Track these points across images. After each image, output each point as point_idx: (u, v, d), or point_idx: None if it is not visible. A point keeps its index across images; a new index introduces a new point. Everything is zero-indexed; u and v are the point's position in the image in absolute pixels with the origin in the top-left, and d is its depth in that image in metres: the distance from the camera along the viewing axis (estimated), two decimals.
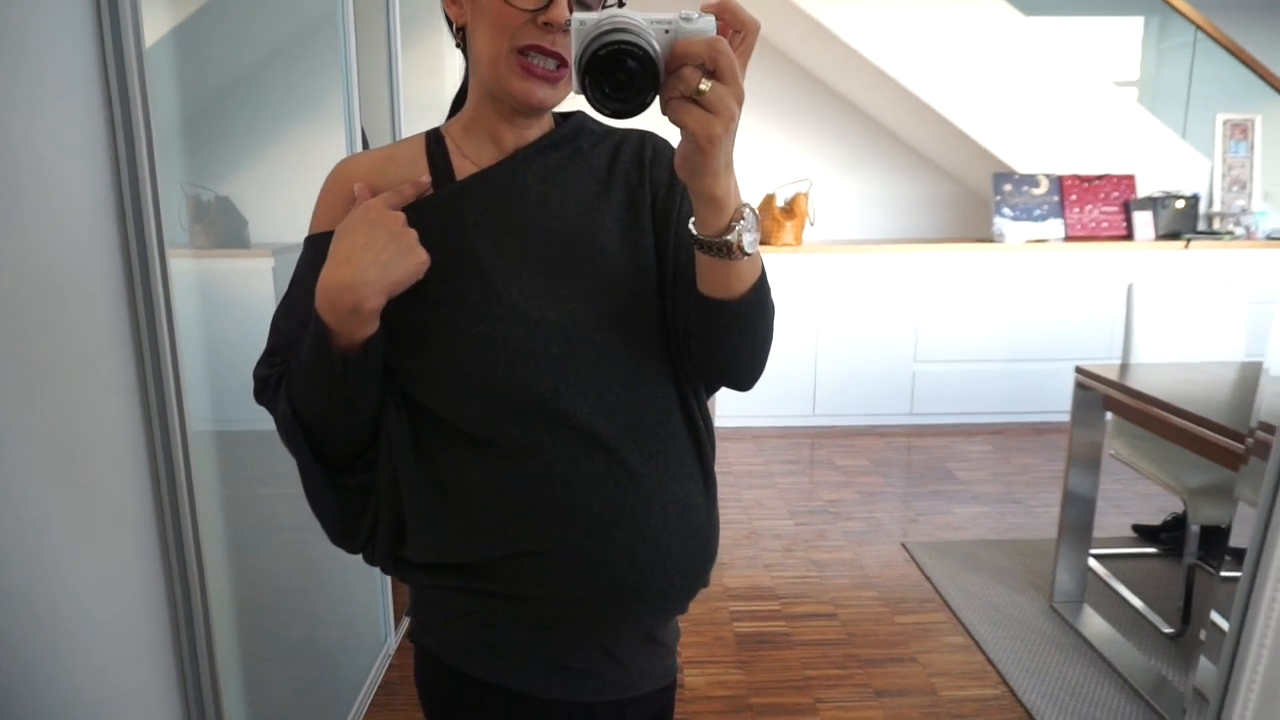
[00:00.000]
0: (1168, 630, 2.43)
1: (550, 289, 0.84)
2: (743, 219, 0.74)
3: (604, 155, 0.92)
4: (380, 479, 0.87)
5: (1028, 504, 3.47)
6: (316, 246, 0.85)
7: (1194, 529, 2.36)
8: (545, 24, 0.78)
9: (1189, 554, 2.39)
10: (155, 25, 1.22)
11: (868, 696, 2.18)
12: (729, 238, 0.74)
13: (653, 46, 0.65)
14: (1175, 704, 2.08)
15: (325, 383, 0.80)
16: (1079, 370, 2.54)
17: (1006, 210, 4.42)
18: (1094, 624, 2.48)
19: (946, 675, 2.27)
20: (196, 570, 1.29)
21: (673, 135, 0.75)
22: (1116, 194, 4.45)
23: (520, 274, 0.84)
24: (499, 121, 0.88)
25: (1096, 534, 2.65)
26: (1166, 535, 3.03)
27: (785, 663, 2.34)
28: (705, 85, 0.65)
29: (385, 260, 0.76)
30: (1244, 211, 4.46)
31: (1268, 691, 0.64)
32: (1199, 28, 4.39)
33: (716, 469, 0.96)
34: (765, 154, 4.86)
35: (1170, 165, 4.49)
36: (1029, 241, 4.39)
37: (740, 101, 0.67)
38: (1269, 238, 4.40)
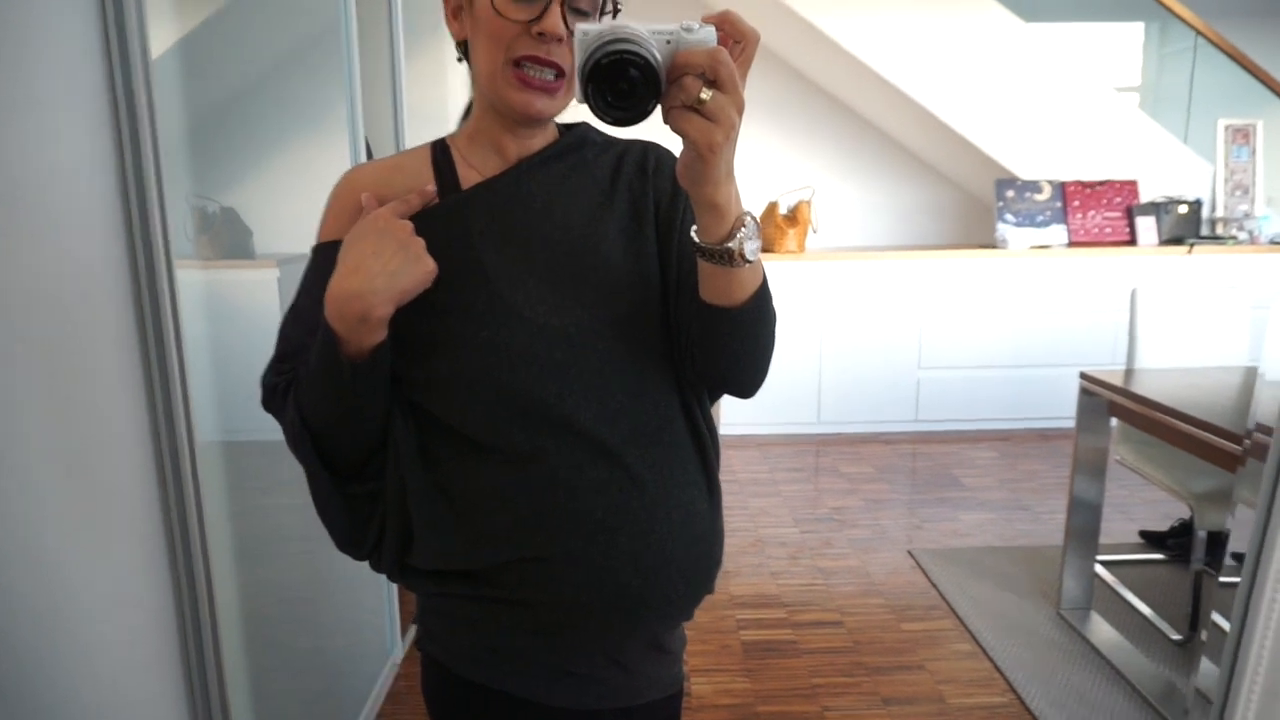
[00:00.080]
0: (1175, 637, 2.42)
1: (554, 297, 0.85)
2: (744, 226, 0.75)
3: (608, 165, 0.92)
4: (388, 487, 0.88)
5: (1034, 510, 3.46)
6: (324, 255, 0.86)
7: (1201, 535, 2.35)
8: (539, 34, 0.79)
9: (1196, 560, 2.39)
10: (161, 38, 1.23)
11: (875, 704, 2.18)
12: (730, 245, 0.75)
13: (654, 56, 0.66)
14: (1184, 710, 2.07)
15: (334, 390, 0.81)
16: (1083, 376, 2.54)
17: (1009, 216, 4.43)
18: (1101, 631, 2.47)
19: (954, 683, 2.27)
20: (204, 580, 1.29)
21: (675, 145, 0.76)
22: (1119, 199, 4.45)
23: (525, 282, 0.85)
24: (502, 132, 0.89)
25: (1103, 540, 2.64)
26: (1174, 541, 3.02)
27: (792, 671, 2.33)
28: (706, 94, 0.66)
29: (394, 269, 0.77)
30: (1247, 216, 4.46)
31: (1269, 692, 0.64)
32: (1199, 33, 4.39)
33: (721, 477, 0.96)
34: (768, 161, 4.87)
35: (1173, 170, 4.49)
36: (1032, 247, 4.39)
37: (740, 110, 0.68)
38: (1272, 242, 4.39)
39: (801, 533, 3.27)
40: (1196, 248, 4.29)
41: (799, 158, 4.93)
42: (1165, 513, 3.28)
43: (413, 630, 2.41)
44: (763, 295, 0.82)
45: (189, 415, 1.25)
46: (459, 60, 0.90)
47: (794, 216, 4.42)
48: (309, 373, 0.83)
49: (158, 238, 1.18)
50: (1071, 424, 2.58)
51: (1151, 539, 3.09)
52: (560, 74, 0.82)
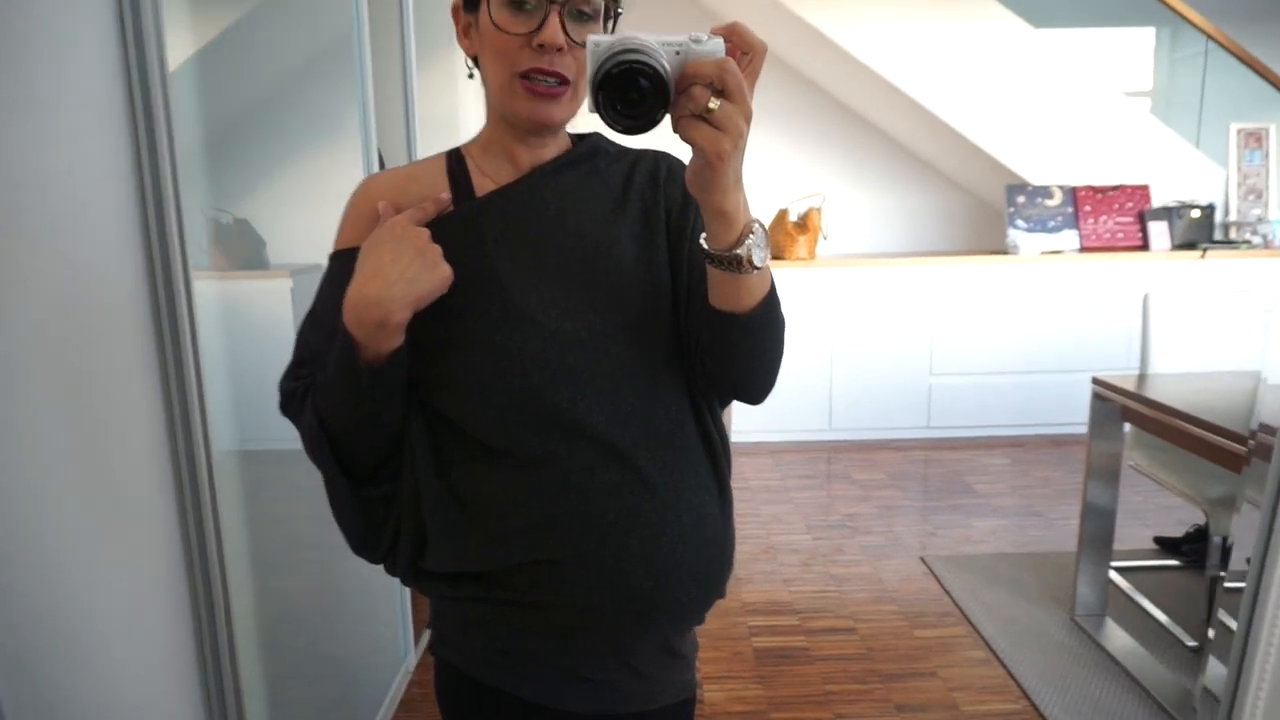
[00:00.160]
0: (1191, 643, 2.41)
1: (567, 302, 0.86)
2: (752, 234, 0.76)
3: (619, 174, 0.94)
4: (403, 491, 0.89)
5: (1047, 517, 3.45)
6: (342, 262, 0.87)
7: (1216, 540, 2.34)
8: (539, 46, 0.80)
9: (1211, 566, 2.37)
10: (177, 50, 1.25)
11: (888, 711, 2.17)
12: (739, 251, 0.76)
13: (663, 66, 0.68)
14: (1192, 710, 2.06)
15: (352, 395, 0.82)
16: (1096, 381, 2.53)
17: (1020, 222, 4.42)
18: (1116, 637, 2.46)
19: (967, 690, 2.26)
20: (221, 588, 1.31)
21: (685, 155, 0.77)
22: (1131, 204, 4.44)
23: (538, 287, 0.86)
24: (514, 142, 0.90)
25: (1117, 546, 2.63)
26: (1189, 547, 3.00)
27: (805, 678, 2.33)
28: (714, 104, 0.68)
29: (411, 275, 0.79)
30: (1260, 220, 4.44)
31: (1277, 689, 0.64)
32: (1210, 37, 4.38)
33: (734, 484, 0.97)
34: (778, 169, 4.88)
35: (1185, 175, 4.48)
36: (1044, 253, 4.38)
37: (748, 120, 0.70)
38: None
39: (814, 539, 3.26)
40: (1210, 252, 4.27)
41: (809, 165, 4.94)
42: (1180, 518, 3.26)
43: (425, 638, 2.42)
44: (771, 302, 0.83)
45: (206, 425, 1.26)
46: (469, 76, 0.92)
47: (804, 224, 4.42)
48: (327, 378, 0.84)
49: (175, 249, 1.19)
50: (1084, 430, 2.57)
51: (1166, 545, 3.07)
52: (562, 80, 0.83)
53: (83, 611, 1.07)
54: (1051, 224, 4.42)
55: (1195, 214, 4.39)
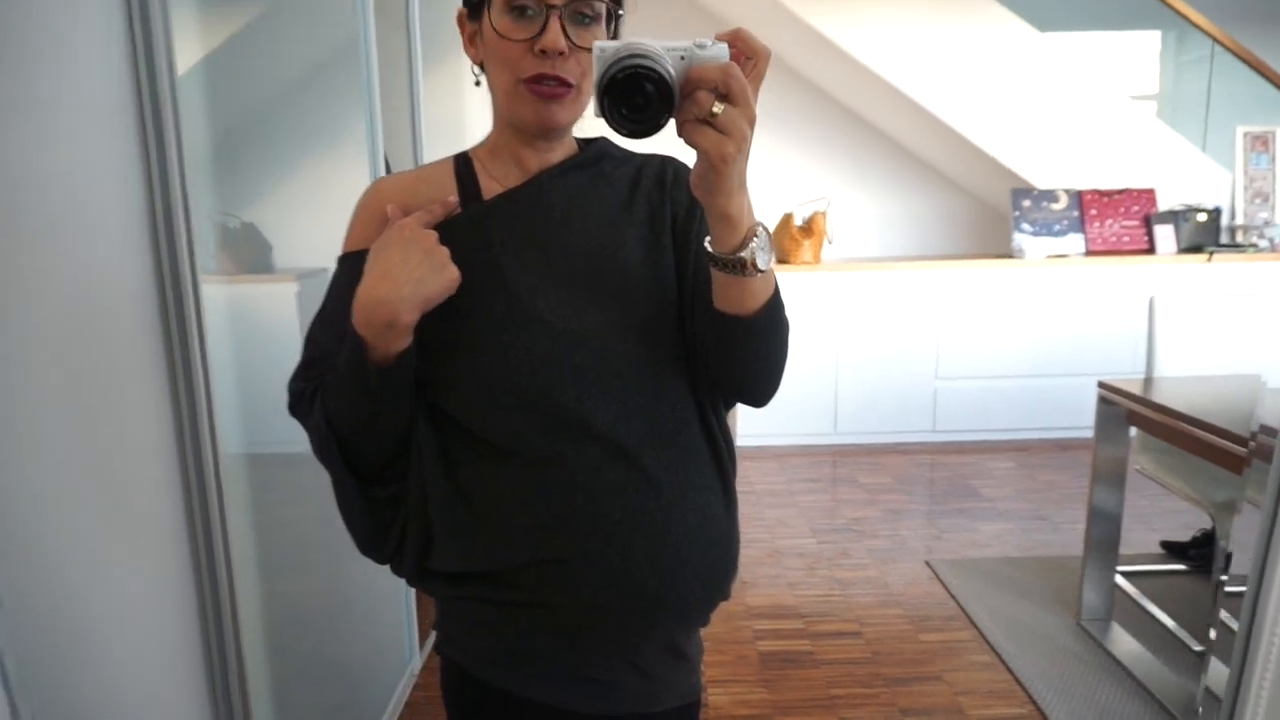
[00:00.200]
0: (1198, 648, 2.40)
1: (574, 302, 0.87)
2: (756, 237, 0.77)
3: (626, 178, 0.94)
4: (410, 491, 0.90)
5: (1053, 521, 3.44)
6: (351, 263, 0.88)
7: (1223, 545, 2.33)
8: (541, 51, 0.81)
9: (1218, 570, 2.36)
10: (185, 56, 1.26)
11: (893, 715, 2.17)
12: (743, 254, 0.77)
13: (668, 71, 0.69)
14: (1195, 710, 2.05)
15: (360, 396, 0.83)
16: (1102, 385, 2.53)
17: (1026, 226, 4.42)
18: (1122, 642, 2.45)
19: (973, 694, 2.26)
20: (228, 590, 1.31)
21: (690, 159, 0.78)
22: (1137, 208, 4.43)
23: (545, 288, 0.87)
24: (521, 146, 0.91)
25: (1124, 551, 2.62)
26: (1195, 552, 2.99)
27: (810, 681, 2.33)
28: (718, 108, 0.68)
29: (419, 276, 0.80)
30: (1267, 224, 4.43)
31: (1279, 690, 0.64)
32: (1216, 41, 4.37)
33: (739, 488, 0.97)
34: (783, 173, 4.88)
35: (1191, 178, 4.47)
36: (1049, 257, 4.38)
37: (752, 124, 0.70)
38: None
39: (819, 543, 3.26)
40: (1216, 256, 4.27)
41: (814, 169, 4.94)
42: (1187, 523, 3.25)
43: (430, 641, 2.43)
44: (775, 305, 0.83)
45: (214, 428, 1.27)
46: (476, 84, 0.93)
47: (809, 228, 4.43)
48: (336, 378, 0.85)
49: (183, 253, 1.20)
50: (1090, 434, 2.57)
51: (1173, 549, 3.06)
52: (562, 82, 0.84)
53: (90, 614, 1.07)
54: (1057, 227, 4.41)
55: (1201, 217, 4.38)
